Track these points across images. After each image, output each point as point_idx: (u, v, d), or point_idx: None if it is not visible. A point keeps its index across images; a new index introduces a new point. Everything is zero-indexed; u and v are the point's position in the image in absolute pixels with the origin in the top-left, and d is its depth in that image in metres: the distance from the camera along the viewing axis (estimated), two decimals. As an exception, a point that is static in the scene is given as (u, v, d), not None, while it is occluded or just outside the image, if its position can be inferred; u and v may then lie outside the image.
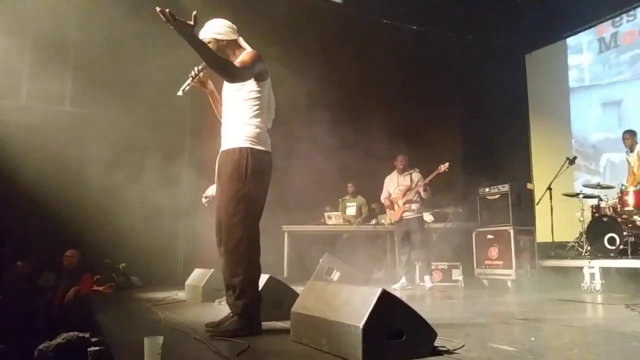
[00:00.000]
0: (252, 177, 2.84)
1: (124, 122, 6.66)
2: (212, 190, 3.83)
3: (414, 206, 6.27)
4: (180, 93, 3.00)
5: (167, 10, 2.42)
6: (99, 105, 6.93)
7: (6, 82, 6.71)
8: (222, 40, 2.96)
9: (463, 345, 2.38)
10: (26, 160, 6.19)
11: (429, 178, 6.20)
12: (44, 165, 6.21)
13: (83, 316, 4.53)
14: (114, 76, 6.85)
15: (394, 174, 6.51)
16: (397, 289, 5.99)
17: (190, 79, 3.01)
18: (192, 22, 2.50)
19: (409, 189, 6.26)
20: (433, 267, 6.54)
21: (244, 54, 2.91)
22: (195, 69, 3.00)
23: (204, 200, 4.66)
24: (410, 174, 6.36)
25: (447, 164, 6.15)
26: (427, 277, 6.18)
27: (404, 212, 6.25)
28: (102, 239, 6.32)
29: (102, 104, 6.90)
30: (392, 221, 6.46)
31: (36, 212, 6.28)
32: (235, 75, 2.80)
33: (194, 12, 2.50)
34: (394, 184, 6.44)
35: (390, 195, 6.45)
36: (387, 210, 6.50)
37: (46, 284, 6.12)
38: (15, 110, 6.75)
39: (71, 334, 3.11)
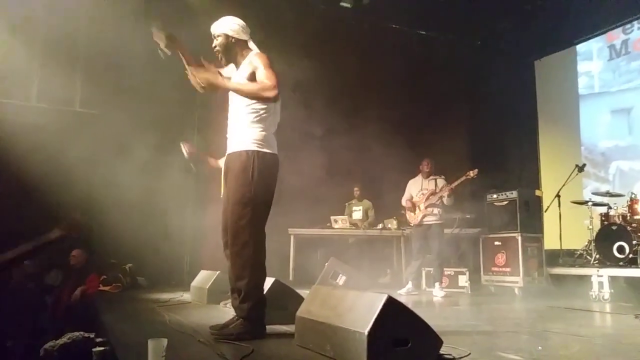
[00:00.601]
0: (258, 180, 2.84)
1: (133, 122, 6.69)
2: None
3: (435, 211, 6.14)
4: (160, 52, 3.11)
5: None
6: (108, 106, 6.97)
7: (17, 82, 6.78)
8: (232, 38, 2.98)
9: (469, 354, 2.35)
10: (35, 160, 6.22)
11: (456, 184, 6.04)
12: (52, 165, 6.25)
13: (89, 316, 4.55)
14: (123, 77, 6.88)
15: (419, 177, 6.39)
16: (403, 294, 5.93)
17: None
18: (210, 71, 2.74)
19: (432, 194, 6.15)
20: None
21: (261, 64, 2.86)
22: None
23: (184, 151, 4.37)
24: (436, 179, 6.25)
25: (475, 170, 6.02)
26: (437, 284, 6.04)
27: (425, 216, 6.14)
28: (109, 239, 6.34)
29: (112, 105, 6.94)
30: (411, 224, 6.34)
31: (44, 211, 6.31)
32: (271, 92, 2.79)
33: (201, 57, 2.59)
34: (417, 187, 6.32)
35: (411, 197, 6.34)
36: (408, 213, 6.36)
37: (53, 284, 6.14)
38: (26, 111, 6.80)
39: (76, 333, 3.11)
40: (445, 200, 6.11)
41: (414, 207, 6.27)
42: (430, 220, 6.16)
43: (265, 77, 2.81)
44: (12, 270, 5.07)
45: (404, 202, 6.44)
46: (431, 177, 6.28)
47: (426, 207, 6.14)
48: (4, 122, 6.41)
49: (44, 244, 2.77)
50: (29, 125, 6.55)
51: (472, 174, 6.04)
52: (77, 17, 6.75)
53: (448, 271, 6.68)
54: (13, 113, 6.64)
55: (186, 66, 2.95)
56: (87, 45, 7.05)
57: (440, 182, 6.22)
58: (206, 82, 2.81)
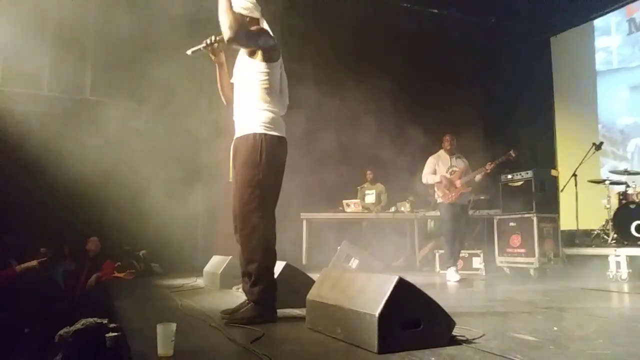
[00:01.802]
0: (266, 163, 2.80)
1: (144, 110, 6.70)
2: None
3: (470, 189, 5.89)
4: (189, 53, 3.01)
5: None
6: (118, 94, 6.98)
7: (28, 72, 6.81)
8: (246, 17, 2.92)
9: (483, 335, 2.31)
10: (47, 148, 6.27)
11: (495, 163, 5.76)
12: (64, 153, 6.30)
13: (104, 302, 4.60)
14: (133, 65, 6.87)
15: (442, 153, 6.02)
16: (455, 281, 5.53)
17: (205, 44, 2.99)
18: None
19: (464, 172, 5.84)
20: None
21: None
22: (212, 37, 2.97)
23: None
24: (460, 157, 5.99)
25: (515, 151, 5.78)
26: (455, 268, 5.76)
27: (462, 194, 5.80)
28: (123, 226, 6.40)
29: (122, 93, 6.95)
30: (446, 202, 5.81)
31: (58, 199, 6.38)
32: (234, 29, 2.67)
33: None
34: (446, 164, 5.94)
35: (435, 172, 5.95)
36: (442, 189, 5.85)
37: (69, 270, 6.22)
38: (37, 99, 6.85)
39: (90, 319, 3.13)
40: (479, 178, 5.84)
41: (450, 184, 5.83)
42: (462, 200, 5.83)
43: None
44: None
45: (429, 178, 5.99)
46: (457, 155, 5.99)
47: (462, 185, 5.78)
48: (16, 111, 6.46)
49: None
50: (41, 114, 6.59)
51: (513, 153, 5.76)
52: (87, 6, 6.74)
53: (462, 253, 6.59)
54: (25, 102, 6.68)
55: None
56: (97, 34, 7.04)
57: (466, 160, 5.97)
58: None
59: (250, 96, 2.88)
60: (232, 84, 3.09)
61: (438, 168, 5.98)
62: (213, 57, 3.11)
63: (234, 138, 2.98)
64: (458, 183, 5.81)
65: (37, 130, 6.40)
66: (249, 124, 2.87)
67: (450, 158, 5.98)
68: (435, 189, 5.96)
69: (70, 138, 6.40)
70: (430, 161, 6.06)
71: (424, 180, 6.08)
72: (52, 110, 6.78)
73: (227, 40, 2.72)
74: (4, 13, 6.35)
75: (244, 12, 2.91)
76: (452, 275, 5.65)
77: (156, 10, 6.44)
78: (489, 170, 5.79)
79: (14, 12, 6.38)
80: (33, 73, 6.88)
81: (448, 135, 6.01)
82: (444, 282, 5.59)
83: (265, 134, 2.83)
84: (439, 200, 5.93)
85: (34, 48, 6.65)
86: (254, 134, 2.83)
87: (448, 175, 5.87)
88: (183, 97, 6.90)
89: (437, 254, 6.96)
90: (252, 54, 2.88)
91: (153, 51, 6.58)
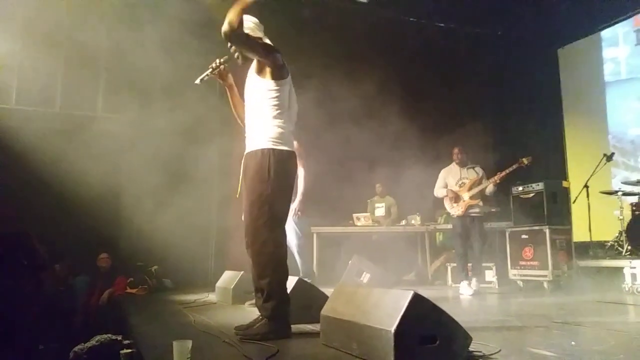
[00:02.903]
0: (275, 178, 2.82)
1: (155, 126, 6.77)
2: None
3: (480, 202, 5.82)
4: (197, 82, 3.05)
5: None
6: (130, 111, 7.07)
7: (42, 90, 6.93)
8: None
9: (500, 350, 2.29)
10: (61, 165, 6.35)
11: (506, 172, 5.72)
12: (77, 170, 6.37)
13: (117, 318, 4.61)
14: (145, 81, 6.96)
15: (453, 166, 6.03)
16: (469, 295, 5.51)
17: (211, 69, 3.04)
18: None
19: (475, 183, 5.80)
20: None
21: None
22: (217, 60, 3.02)
23: None
24: (474, 167, 5.93)
25: (529, 158, 5.68)
26: (475, 280, 5.75)
27: (469, 207, 5.80)
28: (135, 242, 6.43)
29: (133, 110, 7.03)
30: (453, 215, 5.90)
31: (70, 215, 6.44)
32: (234, 24, 2.62)
33: None
34: (455, 176, 5.95)
35: (446, 186, 5.99)
36: (449, 203, 5.92)
37: (82, 287, 6.25)
38: (51, 117, 6.95)
39: (104, 336, 3.15)
40: (489, 190, 5.79)
41: (456, 196, 5.88)
42: (473, 212, 5.79)
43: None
44: (41, 276, 5.18)
45: (438, 192, 6.06)
46: (468, 166, 5.94)
47: (470, 198, 5.79)
48: (29, 129, 6.56)
49: None
50: (55, 131, 6.69)
51: (525, 161, 5.65)
52: (98, 27, 6.86)
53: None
54: (37, 120, 6.79)
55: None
56: (108, 53, 7.16)
57: (479, 170, 5.91)
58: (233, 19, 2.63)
59: (259, 113, 2.91)
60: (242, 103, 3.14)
61: (448, 181, 6.01)
62: (221, 81, 3.17)
63: (244, 154, 3.01)
64: (465, 196, 5.82)
65: (49, 147, 6.48)
66: (258, 140, 2.90)
67: (461, 170, 5.97)
68: (444, 202, 6.02)
69: (81, 155, 6.48)
70: (441, 175, 6.11)
71: (436, 194, 6.15)
72: (64, 127, 6.88)
73: (223, 34, 2.64)
74: (18, 35, 6.48)
75: (246, 32, 2.94)
76: (464, 289, 5.63)
77: (169, 28, 6.54)
78: (498, 180, 5.74)
79: (28, 34, 6.52)
80: (46, 92, 7.00)
81: (456, 148, 6.02)
82: (457, 296, 5.54)
83: (274, 149, 2.85)
84: (451, 213, 5.96)
85: (46, 68, 6.78)
86: (262, 149, 2.85)
87: (455, 189, 5.90)
88: (193, 113, 6.96)
89: (449, 267, 6.92)
90: (261, 72, 2.91)
91: (163, 69, 6.68)
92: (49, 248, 6.11)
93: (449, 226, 6.53)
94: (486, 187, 5.79)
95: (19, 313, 3.64)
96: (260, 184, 2.81)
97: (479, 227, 5.85)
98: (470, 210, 5.79)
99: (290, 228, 4.89)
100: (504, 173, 5.74)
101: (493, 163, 6.55)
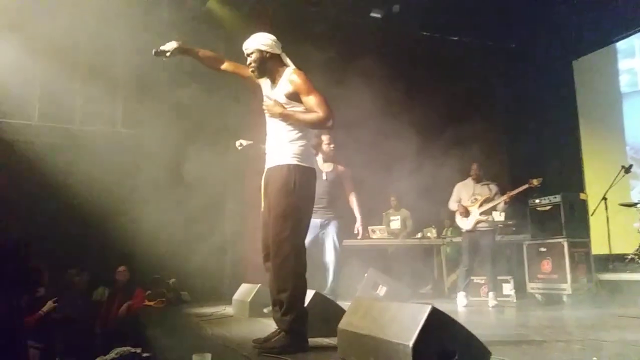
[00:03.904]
0: (299, 193, 2.87)
1: (174, 141, 6.87)
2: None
3: (490, 218, 5.88)
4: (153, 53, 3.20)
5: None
6: (149, 126, 7.18)
7: (61, 106, 7.09)
8: (266, 52, 3.00)
9: (519, 365, 2.28)
10: (81, 180, 6.48)
11: (516, 192, 5.77)
12: (97, 185, 6.49)
13: (136, 331, 4.66)
14: (163, 96, 7.08)
15: (469, 181, 6.07)
16: (463, 306, 5.61)
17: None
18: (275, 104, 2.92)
19: (487, 200, 5.85)
20: (483, 281, 6.21)
21: (304, 87, 2.91)
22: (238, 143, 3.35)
23: None
24: (488, 184, 5.98)
25: (540, 179, 5.73)
26: (492, 294, 5.78)
27: (479, 222, 5.84)
28: (152, 254, 6.49)
29: (152, 124, 7.14)
30: (463, 230, 5.98)
31: (89, 229, 6.54)
32: (330, 122, 2.89)
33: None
34: (469, 192, 6.00)
35: (460, 200, 6.04)
36: (460, 217, 5.99)
37: (100, 299, 6.33)
38: (70, 133, 7.10)
39: (124, 348, 3.19)
40: (501, 206, 5.85)
41: (466, 211, 5.92)
42: (483, 227, 5.85)
43: (316, 105, 2.86)
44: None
45: (453, 205, 6.11)
46: (483, 182, 5.99)
47: (480, 214, 5.83)
48: (52, 145, 6.71)
49: None
50: (74, 147, 6.83)
51: (535, 182, 5.72)
52: (116, 42, 7.01)
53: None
54: (60, 136, 6.95)
55: (264, 97, 3.07)
56: (126, 67, 7.30)
57: (494, 187, 5.95)
58: (276, 115, 2.93)
59: (284, 130, 2.96)
60: (212, 55, 3.32)
61: (461, 196, 6.07)
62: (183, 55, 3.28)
63: (266, 168, 3.06)
64: (475, 211, 5.86)
65: (70, 163, 6.62)
66: (282, 155, 2.95)
67: (475, 186, 6.02)
68: (455, 216, 6.09)
69: (101, 169, 6.60)
70: (456, 188, 6.16)
71: (450, 207, 6.19)
72: (84, 143, 7.02)
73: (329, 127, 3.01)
74: (39, 54, 6.65)
75: (263, 49, 2.99)
76: (460, 300, 5.72)
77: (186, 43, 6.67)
78: (508, 200, 5.78)
79: (47, 49, 6.68)
80: (66, 108, 7.16)
81: (475, 164, 6.07)
82: (475, 310, 5.50)
83: (298, 165, 2.90)
84: (461, 227, 6.04)
85: (67, 86, 6.94)
86: (287, 165, 2.91)
87: (467, 204, 5.95)
88: (210, 126, 7.06)
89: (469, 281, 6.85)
90: (292, 96, 2.94)
91: (183, 83, 6.80)
92: (68, 261, 6.22)
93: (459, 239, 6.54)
94: (497, 205, 5.83)
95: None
96: (286, 198, 2.86)
97: (489, 240, 5.87)
98: (479, 225, 5.85)
99: (331, 245, 5.00)
100: (513, 193, 5.80)
101: (510, 177, 6.52)
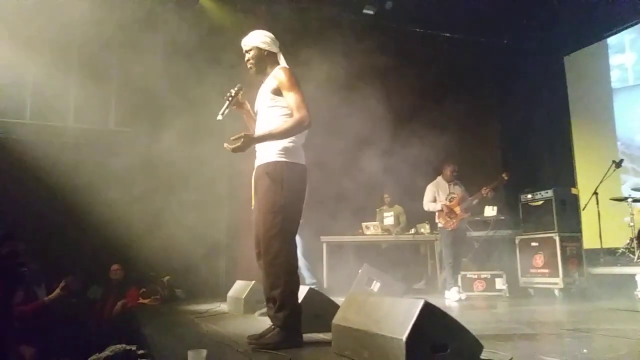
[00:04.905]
0: (288, 189, 2.87)
1: (166, 139, 6.85)
2: None
3: (469, 214, 6.29)
4: (219, 117, 3.05)
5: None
6: (142, 124, 7.17)
7: (55, 105, 7.06)
8: (264, 50, 3.04)
9: (511, 358, 2.31)
10: (74, 178, 6.45)
11: (490, 187, 6.09)
12: (90, 183, 6.47)
13: (130, 329, 4.66)
14: (156, 95, 7.06)
15: (441, 181, 6.34)
16: (455, 301, 5.77)
17: (227, 102, 3.08)
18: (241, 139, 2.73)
19: (462, 198, 6.16)
20: (475, 276, 6.49)
21: (286, 82, 2.91)
22: (232, 91, 3.08)
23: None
24: (458, 183, 6.31)
25: (508, 173, 6.20)
26: (455, 289, 5.99)
27: (462, 219, 6.14)
28: (147, 252, 6.49)
29: (145, 123, 7.13)
30: (448, 229, 6.12)
31: (83, 227, 6.53)
32: (305, 123, 2.85)
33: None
34: (445, 191, 6.26)
35: (435, 200, 6.30)
36: (444, 217, 6.16)
37: (95, 298, 6.32)
38: (64, 131, 7.07)
39: (119, 346, 3.19)
40: (475, 202, 6.23)
41: (450, 211, 6.14)
42: (462, 224, 6.23)
43: (294, 105, 2.86)
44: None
45: (430, 206, 6.33)
46: (455, 182, 6.31)
47: (462, 211, 6.11)
48: (44, 143, 6.68)
49: None
50: (68, 145, 6.80)
51: (505, 176, 6.11)
52: (109, 40, 6.98)
53: (484, 274, 6.56)
54: (53, 134, 6.91)
55: (224, 144, 2.84)
56: (119, 67, 7.28)
57: (462, 186, 6.31)
58: (250, 145, 2.82)
59: (271, 126, 2.96)
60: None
61: (438, 196, 6.31)
62: (239, 109, 3.23)
63: (256, 166, 3.06)
64: (457, 210, 6.13)
65: (63, 161, 6.59)
66: (270, 152, 2.95)
67: (449, 185, 6.29)
68: (437, 216, 6.29)
69: (94, 167, 6.58)
70: (430, 189, 6.39)
71: (426, 208, 6.43)
72: (77, 141, 7.00)
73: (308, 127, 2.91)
74: (33, 52, 6.61)
75: (262, 47, 3.03)
76: (454, 295, 5.88)
77: (180, 43, 6.65)
78: (484, 195, 6.11)
79: (41, 50, 6.65)
80: (59, 107, 7.13)
81: (453, 166, 6.33)
82: (468, 304, 5.56)
83: (286, 162, 2.91)
84: (440, 226, 6.26)
85: (60, 84, 6.91)
86: (275, 162, 2.91)
87: (448, 203, 6.19)
88: (204, 126, 7.04)
89: (459, 276, 6.89)
90: (276, 92, 2.96)
91: (175, 82, 6.78)
92: (62, 261, 6.20)
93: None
94: (473, 201, 6.18)
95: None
96: (274, 195, 2.86)
97: (467, 236, 6.42)
98: (462, 223, 6.20)
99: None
100: (488, 189, 6.09)
101: (501, 171, 6.57)
